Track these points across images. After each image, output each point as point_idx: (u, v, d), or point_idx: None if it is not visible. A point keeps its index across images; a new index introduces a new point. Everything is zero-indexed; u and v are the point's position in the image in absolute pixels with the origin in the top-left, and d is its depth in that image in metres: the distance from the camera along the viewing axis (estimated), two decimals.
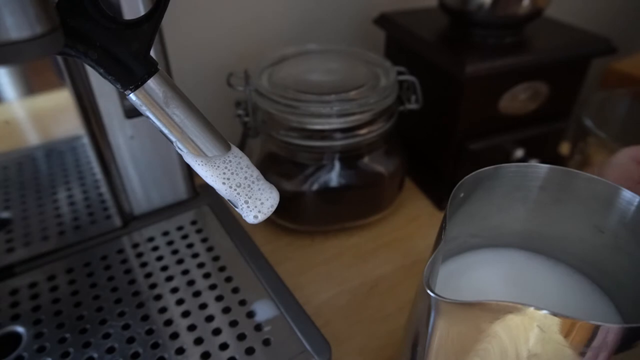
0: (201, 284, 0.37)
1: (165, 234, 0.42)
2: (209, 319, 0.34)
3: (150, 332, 0.33)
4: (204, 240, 0.42)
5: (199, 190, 0.47)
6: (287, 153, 0.47)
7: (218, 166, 0.23)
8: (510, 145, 0.53)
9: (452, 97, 0.48)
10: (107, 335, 0.33)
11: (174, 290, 0.37)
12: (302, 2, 0.60)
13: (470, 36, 0.51)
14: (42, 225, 0.40)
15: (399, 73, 0.48)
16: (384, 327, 0.41)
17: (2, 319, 0.34)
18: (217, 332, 0.33)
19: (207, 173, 0.23)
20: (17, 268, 0.38)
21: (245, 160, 0.24)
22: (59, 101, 0.35)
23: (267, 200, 0.24)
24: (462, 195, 0.27)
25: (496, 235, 0.33)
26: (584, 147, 0.52)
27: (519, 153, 0.53)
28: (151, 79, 0.21)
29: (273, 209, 0.24)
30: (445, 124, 0.51)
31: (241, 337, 0.33)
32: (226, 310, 0.35)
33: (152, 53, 0.21)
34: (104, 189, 0.41)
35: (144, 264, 0.39)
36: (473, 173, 0.27)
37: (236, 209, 0.24)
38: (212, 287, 0.37)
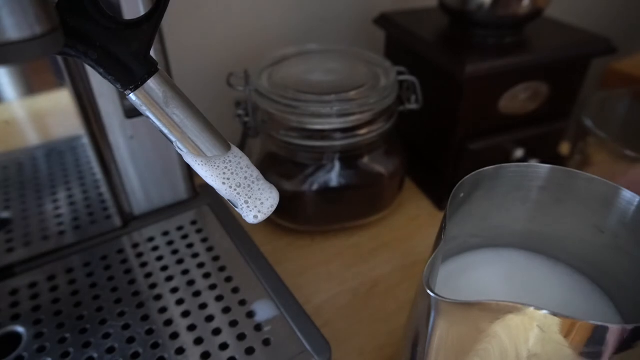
0: (201, 284, 0.37)
1: (165, 234, 0.42)
2: (209, 319, 0.34)
3: (150, 332, 0.33)
4: (204, 240, 0.42)
5: (199, 190, 0.47)
6: (287, 153, 0.47)
7: (218, 166, 0.23)
8: (510, 145, 0.53)
9: (452, 97, 0.48)
10: (107, 335, 0.33)
11: (174, 290, 0.37)
12: (303, 2, 0.60)
13: (470, 36, 0.51)
14: (42, 225, 0.40)
15: (399, 73, 0.48)
16: (384, 327, 0.41)
17: (2, 319, 0.34)
18: (217, 332, 0.33)
19: (207, 173, 0.23)
20: (17, 268, 0.38)
21: (245, 160, 0.24)
22: (59, 101, 0.35)
23: (267, 200, 0.24)
24: (462, 195, 0.27)
25: (496, 235, 0.33)
26: (584, 147, 0.52)
27: (519, 153, 0.53)
28: (151, 79, 0.21)
29: (273, 209, 0.24)
30: (445, 124, 0.51)
31: (241, 337, 0.33)
32: (226, 310, 0.35)
33: (152, 53, 0.21)
34: (104, 189, 0.41)
35: (144, 264, 0.39)
36: (473, 173, 0.27)
37: (236, 209, 0.24)
38: (212, 287, 0.37)
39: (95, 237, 0.41)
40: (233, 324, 0.34)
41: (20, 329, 0.33)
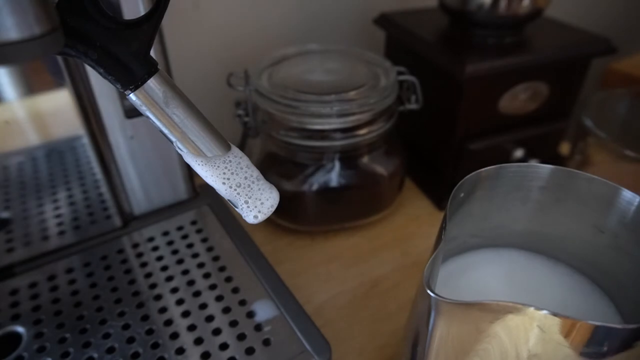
0: (201, 284, 0.37)
1: (165, 234, 0.42)
2: (209, 319, 0.34)
3: (150, 332, 0.33)
4: (204, 240, 0.42)
5: (199, 190, 0.47)
6: (287, 153, 0.47)
7: (218, 166, 0.23)
8: (510, 145, 0.53)
9: (452, 97, 0.48)
10: (107, 335, 0.33)
11: (174, 290, 0.37)
12: (303, 2, 0.60)
13: (470, 36, 0.51)
14: (42, 225, 0.40)
15: (399, 73, 0.48)
16: (384, 327, 0.41)
17: (2, 319, 0.34)
18: (217, 332, 0.33)
19: (207, 173, 0.23)
20: (17, 268, 0.38)
21: (245, 160, 0.24)
22: (59, 101, 0.35)
23: (267, 200, 0.24)
24: (462, 195, 0.27)
25: (496, 235, 0.33)
26: (584, 147, 0.52)
27: (519, 153, 0.53)
28: (151, 79, 0.21)
29: (273, 209, 0.24)
30: (445, 124, 0.51)
31: (241, 337, 0.33)
32: (226, 310, 0.35)
33: (152, 53, 0.21)
34: (104, 189, 0.41)
35: (144, 264, 0.39)
36: (473, 173, 0.27)
37: (236, 209, 0.24)
38: (212, 287, 0.37)
39: (95, 237, 0.41)
40: (233, 324, 0.34)
41: (20, 329, 0.33)
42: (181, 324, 0.34)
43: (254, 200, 0.24)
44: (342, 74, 0.49)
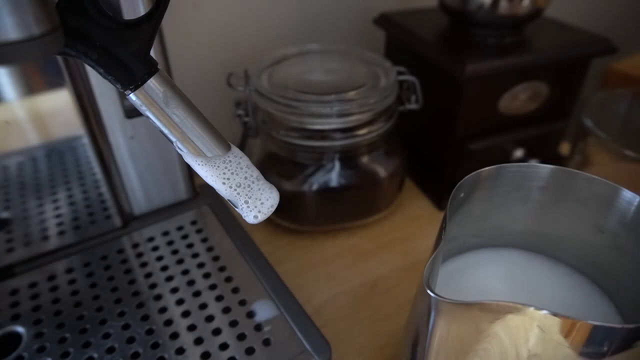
0: (201, 284, 0.37)
1: (165, 234, 0.42)
2: (209, 319, 0.34)
3: (150, 332, 0.33)
4: (204, 240, 0.42)
5: (199, 190, 0.47)
6: (287, 153, 0.47)
7: (218, 166, 0.23)
8: (510, 145, 0.53)
9: (452, 97, 0.48)
10: (107, 335, 0.33)
11: (174, 290, 0.37)
12: (303, 2, 0.60)
13: (470, 36, 0.51)
14: (42, 225, 0.40)
15: (399, 73, 0.48)
16: (384, 327, 0.41)
17: (2, 319, 0.34)
18: (217, 332, 0.33)
19: (207, 173, 0.23)
20: (17, 268, 0.38)
21: (245, 160, 0.24)
22: (59, 101, 0.35)
23: (267, 200, 0.24)
24: (462, 195, 0.27)
25: (496, 235, 0.33)
26: (584, 147, 0.52)
27: (519, 153, 0.53)
28: (151, 79, 0.21)
29: (273, 209, 0.24)
30: (445, 124, 0.51)
31: (241, 337, 0.33)
32: (226, 310, 0.35)
33: (152, 53, 0.21)
34: (104, 189, 0.41)
35: (144, 264, 0.39)
36: (473, 173, 0.27)
37: (236, 209, 0.24)
38: (212, 287, 0.37)
39: (95, 237, 0.41)
40: (233, 324, 0.34)
41: (20, 329, 0.33)
42: (181, 324, 0.34)
43: (254, 200, 0.24)
44: (342, 74, 0.49)
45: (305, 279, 0.45)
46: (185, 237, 0.42)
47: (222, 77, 0.50)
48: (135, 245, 0.41)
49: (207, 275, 0.38)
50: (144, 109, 0.21)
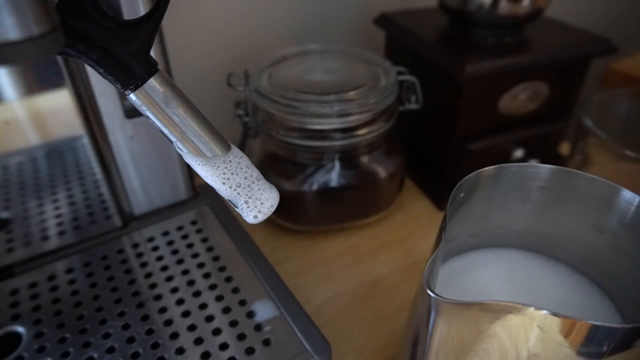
0: (201, 284, 0.37)
1: (165, 234, 0.42)
2: (209, 319, 0.34)
3: (150, 332, 0.33)
4: (204, 240, 0.42)
5: (199, 190, 0.47)
6: (287, 153, 0.47)
7: (218, 166, 0.23)
8: (510, 145, 0.53)
9: (452, 97, 0.48)
10: (107, 335, 0.33)
11: (174, 290, 0.37)
12: (303, 2, 0.60)
13: (470, 36, 0.51)
14: (42, 225, 0.40)
15: (399, 73, 0.48)
16: (384, 327, 0.41)
17: (2, 319, 0.34)
18: (217, 332, 0.33)
19: (207, 173, 0.23)
20: (17, 268, 0.38)
21: (245, 160, 0.24)
22: (59, 101, 0.35)
23: (267, 200, 0.24)
24: (462, 195, 0.27)
25: (496, 235, 0.33)
26: (584, 147, 0.52)
27: (519, 153, 0.53)
28: (151, 79, 0.21)
29: (273, 209, 0.24)
30: (445, 124, 0.51)
31: (241, 337, 0.33)
32: (226, 310, 0.35)
33: (152, 53, 0.21)
34: (104, 189, 0.41)
35: (144, 264, 0.39)
36: (473, 173, 0.27)
37: (236, 209, 0.24)
38: (212, 287, 0.37)
39: (95, 237, 0.41)
40: (233, 324, 0.34)
41: (20, 329, 0.33)
42: (181, 324, 0.34)
43: (254, 200, 0.24)
44: (342, 74, 0.49)
45: (305, 279, 0.45)
46: (185, 237, 0.42)
47: (222, 77, 0.50)
48: (135, 245, 0.41)
49: (207, 275, 0.38)
50: (144, 109, 0.21)
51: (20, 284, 0.37)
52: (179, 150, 0.22)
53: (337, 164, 0.46)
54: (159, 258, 0.40)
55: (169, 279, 0.38)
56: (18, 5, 0.16)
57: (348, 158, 0.47)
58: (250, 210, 0.24)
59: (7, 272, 0.38)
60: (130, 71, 0.20)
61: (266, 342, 0.33)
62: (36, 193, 0.39)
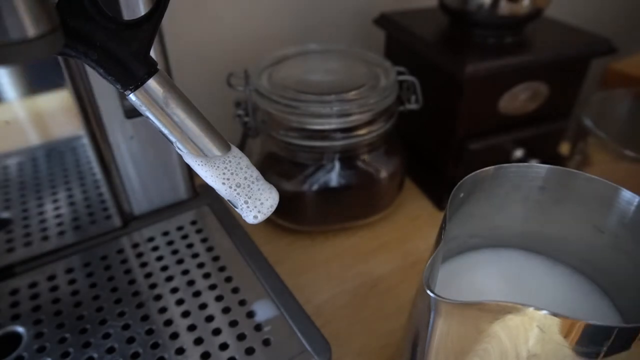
0: (201, 284, 0.37)
1: (165, 234, 0.42)
2: (209, 319, 0.34)
3: (150, 332, 0.33)
4: (204, 240, 0.42)
5: (199, 190, 0.47)
6: (287, 153, 0.47)
7: (218, 166, 0.23)
8: (510, 145, 0.53)
9: (452, 97, 0.48)
10: (107, 335, 0.33)
11: (174, 290, 0.37)
12: (303, 2, 0.60)
13: (470, 36, 0.51)
14: (42, 225, 0.40)
15: (399, 73, 0.48)
16: (384, 327, 0.41)
17: (2, 319, 0.34)
18: (217, 332, 0.33)
19: (207, 173, 0.23)
20: (17, 268, 0.38)
21: (245, 161, 0.24)
22: (59, 101, 0.35)
23: (267, 200, 0.24)
24: (462, 195, 0.27)
25: (496, 235, 0.33)
26: (584, 147, 0.52)
27: (519, 153, 0.53)
28: (151, 79, 0.21)
29: (273, 209, 0.24)
30: (445, 124, 0.51)
31: (241, 337, 0.33)
32: (226, 310, 0.35)
33: (152, 53, 0.21)
34: (104, 189, 0.41)
35: (144, 264, 0.39)
36: (473, 173, 0.27)
37: (236, 209, 0.24)
38: (212, 287, 0.37)
39: (95, 237, 0.41)
40: (233, 324, 0.34)
41: (20, 329, 0.33)
42: (181, 324, 0.34)
43: (254, 201, 0.24)
44: (342, 74, 0.49)
45: (305, 279, 0.45)
46: (185, 237, 0.42)
47: (222, 77, 0.50)
48: (135, 245, 0.41)
49: (207, 275, 0.38)
50: (143, 109, 0.21)
51: (20, 284, 0.37)
52: (178, 151, 0.23)
53: (337, 164, 0.46)
54: (159, 258, 0.40)
55: (169, 279, 0.38)
56: (18, 6, 0.16)
57: (348, 158, 0.47)
58: (250, 211, 0.24)
59: (7, 272, 0.38)
60: (130, 71, 0.20)
61: (266, 342, 0.33)
62: (36, 193, 0.39)
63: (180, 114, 0.22)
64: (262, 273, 0.38)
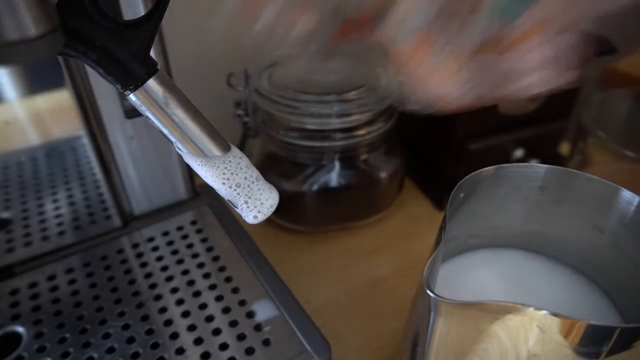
0: (201, 284, 0.37)
1: (165, 234, 0.42)
2: (209, 319, 0.34)
3: (150, 332, 0.33)
4: (204, 240, 0.42)
5: (199, 190, 0.47)
6: (287, 153, 0.47)
7: (218, 166, 0.23)
8: (510, 145, 0.52)
9: None
10: (107, 335, 0.33)
11: (174, 290, 0.37)
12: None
13: None
14: (42, 225, 0.40)
15: None
16: (384, 327, 0.41)
17: (2, 319, 0.34)
18: (217, 332, 0.33)
19: (206, 173, 0.23)
20: (17, 268, 0.38)
21: (245, 161, 0.24)
22: (59, 101, 0.35)
23: (267, 200, 0.24)
24: (462, 195, 0.27)
25: (496, 235, 0.33)
26: (584, 147, 0.52)
27: (519, 153, 0.53)
28: (151, 79, 0.21)
29: (273, 209, 0.24)
30: (445, 124, 0.51)
31: (241, 337, 0.33)
32: (226, 310, 0.35)
33: (152, 53, 0.21)
34: (104, 189, 0.41)
35: (144, 264, 0.39)
36: (473, 173, 0.27)
37: (236, 209, 0.24)
38: (212, 287, 0.37)
39: (95, 237, 0.41)
40: (233, 324, 0.34)
41: (20, 329, 0.33)
42: (181, 324, 0.34)
43: (254, 201, 0.24)
44: (342, 74, 0.49)
45: (305, 279, 0.45)
46: (185, 237, 0.42)
47: (222, 77, 0.50)
48: (135, 245, 0.41)
49: (207, 276, 0.38)
50: (143, 109, 0.21)
51: (20, 284, 0.37)
52: (178, 151, 0.23)
53: (337, 164, 0.46)
54: (159, 258, 0.40)
55: (169, 279, 0.38)
56: (18, 6, 0.16)
57: (348, 158, 0.47)
58: (250, 211, 0.24)
59: (7, 272, 0.38)
60: (130, 71, 0.20)
61: (266, 342, 0.33)
62: (36, 193, 0.39)
63: (180, 114, 0.22)
64: (262, 273, 0.38)
